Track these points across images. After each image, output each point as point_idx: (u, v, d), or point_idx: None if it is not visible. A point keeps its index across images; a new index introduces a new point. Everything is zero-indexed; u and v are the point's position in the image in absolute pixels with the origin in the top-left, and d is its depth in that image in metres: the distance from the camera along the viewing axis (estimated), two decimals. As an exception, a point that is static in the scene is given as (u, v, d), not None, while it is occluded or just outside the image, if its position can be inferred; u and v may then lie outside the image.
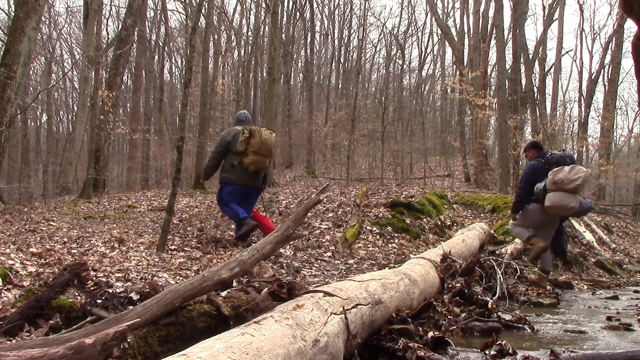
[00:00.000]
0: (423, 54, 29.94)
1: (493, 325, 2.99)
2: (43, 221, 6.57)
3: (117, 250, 4.73)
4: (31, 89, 15.58)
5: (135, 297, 2.89)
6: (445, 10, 26.43)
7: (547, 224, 5.55)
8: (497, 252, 5.42)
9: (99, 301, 2.81)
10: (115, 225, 6.93)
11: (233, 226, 7.69)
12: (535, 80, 21.36)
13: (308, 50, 23.68)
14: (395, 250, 6.30)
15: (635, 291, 5.37)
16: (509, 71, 17.58)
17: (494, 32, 16.60)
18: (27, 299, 2.77)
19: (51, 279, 2.96)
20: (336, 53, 27.76)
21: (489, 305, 3.32)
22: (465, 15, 22.34)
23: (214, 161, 5.96)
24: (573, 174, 5.12)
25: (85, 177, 11.71)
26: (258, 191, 6.00)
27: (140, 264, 4.10)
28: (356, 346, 2.20)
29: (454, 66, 24.24)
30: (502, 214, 8.03)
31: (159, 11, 23.45)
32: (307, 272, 4.74)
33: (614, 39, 19.90)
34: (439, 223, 7.60)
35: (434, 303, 3.09)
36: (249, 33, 21.29)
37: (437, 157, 22.91)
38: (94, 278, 3.17)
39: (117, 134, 15.10)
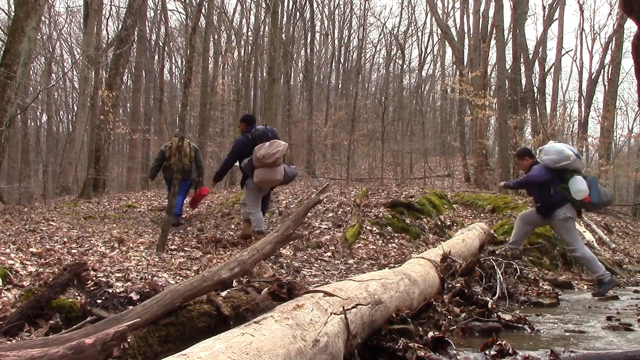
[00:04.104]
0: (423, 54, 29.92)
1: (493, 325, 2.99)
2: (43, 221, 6.56)
3: (117, 250, 4.74)
4: (31, 89, 15.57)
5: (135, 297, 2.89)
6: (445, 10, 26.41)
7: (261, 194, 6.15)
8: (497, 252, 5.42)
9: (99, 301, 2.81)
10: (115, 225, 6.93)
11: (233, 226, 7.70)
12: (535, 80, 21.35)
13: (308, 50, 23.67)
14: (395, 250, 6.30)
15: (635, 291, 5.37)
16: (509, 71, 17.57)
17: (494, 32, 16.59)
18: (27, 299, 2.77)
19: (51, 279, 2.96)
20: (336, 53, 27.74)
21: (489, 305, 3.32)
22: (465, 15, 22.33)
23: (155, 164, 7.93)
24: (273, 149, 5.56)
25: (85, 177, 11.70)
26: (185, 182, 7.60)
27: (140, 264, 4.10)
28: (356, 346, 2.20)
29: (454, 66, 24.23)
30: (502, 213, 8.02)
31: (159, 11, 23.43)
32: (307, 272, 4.74)
33: (614, 39, 19.87)
34: (439, 223, 7.60)
35: (434, 303, 3.09)
36: (249, 33, 21.29)
37: (437, 157, 22.89)
38: (94, 278, 3.17)
39: (117, 134, 15.09)
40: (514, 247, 5.54)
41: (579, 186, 4.94)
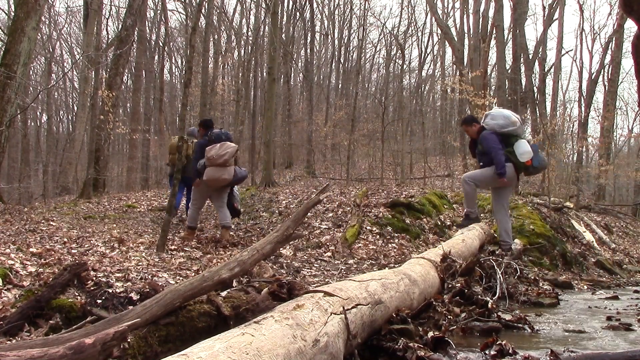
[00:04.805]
0: (423, 54, 29.91)
1: (493, 325, 2.98)
2: (43, 221, 6.57)
3: (117, 250, 4.74)
4: (31, 89, 15.55)
5: (135, 297, 2.89)
6: (445, 10, 26.42)
7: (216, 194, 6.29)
8: (497, 252, 5.41)
9: (99, 301, 2.81)
10: (115, 225, 6.93)
11: (233, 226, 7.70)
12: (535, 80, 21.34)
13: (308, 50, 23.66)
14: (395, 250, 6.30)
15: (635, 291, 5.37)
16: (509, 71, 17.58)
17: (494, 32, 16.61)
18: (27, 299, 2.77)
19: (51, 279, 2.96)
20: (336, 53, 27.73)
21: (489, 305, 3.31)
22: (465, 15, 22.34)
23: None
24: (222, 150, 5.86)
25: (85, 177, 11.70)
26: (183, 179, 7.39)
27: (140, 264, 4.10)
28: (356, 346, 2.19)
29: (454, 66, 24.23)
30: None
31: (159, 11, 23.43)
32: (307, 272, 4.74)
33: (614, 39, 19.87)
34: (439, 223, 7.60)
35: (434, 303, 3.08)
36: (249, 33, 21.29)
37: (437, 157, 22.87)
38: (94, 278, 3.17)
39: (117, 134, 15.08)
40: (505, 243, 5.63)
41: (524, 148, 5.41)
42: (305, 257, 5.54)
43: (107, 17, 20.70)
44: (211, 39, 19.32)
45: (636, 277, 7.06)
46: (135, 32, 14.73)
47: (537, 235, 6.70)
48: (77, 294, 2.92)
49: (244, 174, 6.38)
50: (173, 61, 27.89)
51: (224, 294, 2.46)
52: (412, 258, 4.09)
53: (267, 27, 16.44)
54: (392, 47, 24.72)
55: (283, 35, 18.34)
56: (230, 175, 5.99)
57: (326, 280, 4.32)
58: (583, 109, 21.49)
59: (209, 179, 5.94)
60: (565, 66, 51.55)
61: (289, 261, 5.11)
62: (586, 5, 63.14)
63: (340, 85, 28.02)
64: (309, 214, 5.91)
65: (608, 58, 21.29)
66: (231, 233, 7.01)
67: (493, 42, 17.33)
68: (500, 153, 5.40)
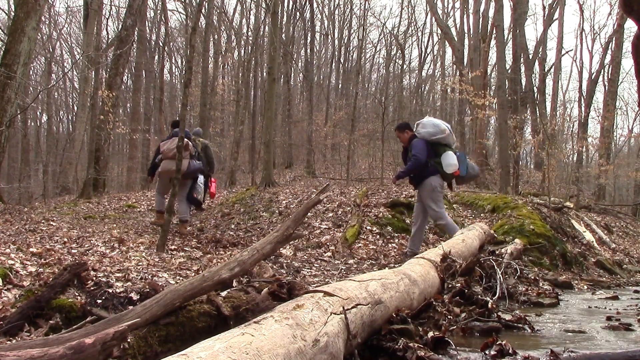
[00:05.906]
0: (423, 54, 29.89)
1: (493, 325, 2.98)
2: (43, 221, 6.57)
3: (117, 250, 4.74)
4: (31, 89, 15.56)
5: (135, 297, 2.89)
6: (445, 10, 26.39)
7: (165, 184, 6.79)
8: (497, 252, 5.41)
9: (99, 301, 2.81)
10: (115, 225, 6.93)
11: (233, 226, 7.70)
12: (535, 80, 21.36)
13: (308, 50, 23.66)
14: (395, 250, 6.30)
15: (636, 291, 5.37)
16: (509, 71, 17.56)
17: (494, 32, 16.58)
18: (27, 299, 2.77)
19: (51, 279, 2.96)
20: (336, 53, 27.73)
21: (489, 305, 3.31)
22: (465, 15, 22.32)
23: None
24: (172, 144, 6.31)
25: (85, 177, 11.71)
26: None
27: (140, 264, 4.10)
28: (356, 346, 2.19)
29: (454, 66, 24.22)
30: (502, 213, 8.02)
31: (159, 11, 23.45)
32: (307, 272, 4.74)
33: (614, 39, 19.87)
34: (439, 223, 7.59)
35: (434, 303, 3.08)
36: (249, 33, 21.29)
37: (437, 157, 22.84)
38: (94, 278, 3.17)
39: (117, 134, 15.09)
40: (412, 252, 5.59)
41: (450, 161, 5.48)
42: (305, 257, 5.54)
43: (107, 17, 20.72)
44: (211, 39, 19.33)
45: (636, 277, 7.06)
46: (135, 32, 14.74)
47: (537, 235, 6.69)
48: (77, 294, 2.92)
49: (197, 167, 6.79)
50: (173, 61, 27.95)
51: (224, 294, 2.46)
52: (412, 258, 4.09)
53: (267, 27, 16.44)
54: (392, 47, 24.74)
55: (283, 35, 18.34)
56: (184, 167, 6.33)
57: (326, 280, 4.32)
58: (583, 109, 21.51)
59: (162, 171, 6.56)
60: (565, 66, 51.67)
61: (289, 261, 5.11)
62: (586, 5, 63.22)
63: (340, 85, 28.02)
64: (309, 214, 5.91)
65: (608, 58, 21.30)
66: (230, 233, 7.01)
67: (493, 42, 17.31)
68: (419, 161, 5.43)
